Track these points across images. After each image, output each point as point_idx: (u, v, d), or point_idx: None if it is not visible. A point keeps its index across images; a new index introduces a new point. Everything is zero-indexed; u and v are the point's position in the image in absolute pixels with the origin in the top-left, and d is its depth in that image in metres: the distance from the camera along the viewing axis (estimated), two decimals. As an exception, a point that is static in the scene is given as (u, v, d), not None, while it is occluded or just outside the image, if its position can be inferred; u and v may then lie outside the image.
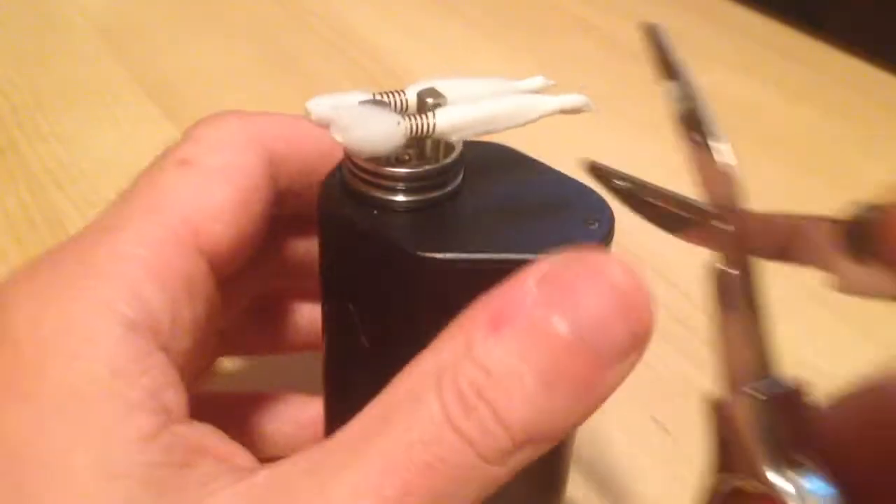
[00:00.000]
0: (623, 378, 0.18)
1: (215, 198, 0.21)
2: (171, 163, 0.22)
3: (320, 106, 0.21)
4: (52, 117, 0.53)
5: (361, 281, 0.21)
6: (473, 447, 0.17)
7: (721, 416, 0.17)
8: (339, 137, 0.20)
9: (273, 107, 0.61)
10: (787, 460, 0.16)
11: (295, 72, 0.60)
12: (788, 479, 0.16)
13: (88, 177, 0.49)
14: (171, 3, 0.68)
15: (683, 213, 0.18)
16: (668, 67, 0.19)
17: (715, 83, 0.61)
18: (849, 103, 0.60)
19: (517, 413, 0.17)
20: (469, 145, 0.22)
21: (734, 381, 0.17)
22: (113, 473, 0.17)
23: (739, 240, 0.17)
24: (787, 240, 0.16)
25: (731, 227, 0.17)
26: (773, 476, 0.16)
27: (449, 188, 0.21)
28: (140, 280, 0.19)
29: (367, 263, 0.21)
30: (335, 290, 0.23)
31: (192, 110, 0.55)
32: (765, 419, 0.16)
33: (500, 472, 0.17)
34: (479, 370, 0.17)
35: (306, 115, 0.22)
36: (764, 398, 0.16)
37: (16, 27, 0.63)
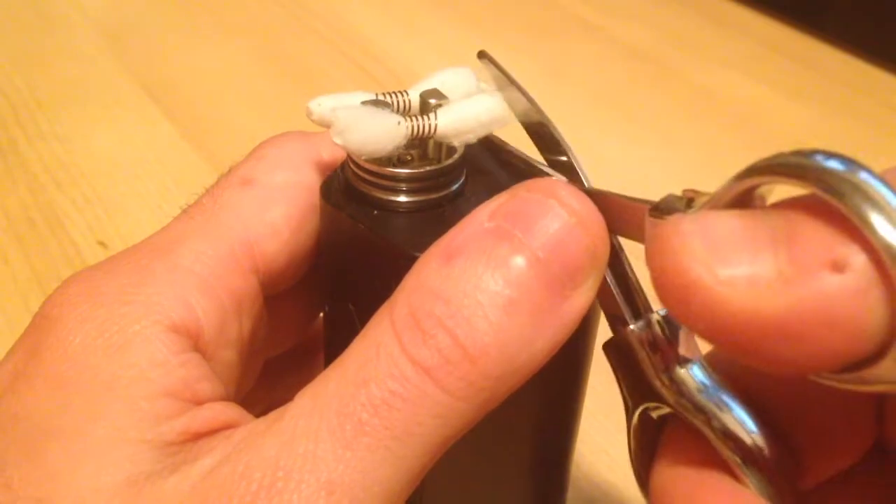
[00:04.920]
0: (585, 304, 0.17)
1: (273, 215, 0.22)
2: (234, 181, 0.22)
3: (322, 106, 0.21)
4: (52, 117, 0.53)
5: (361, 281, 0.21)
6: (432, 377, 0.16)
7: (618, 354, 0.19)
8: (338, 140, 0.20)
9: (273, 107, 0.62)
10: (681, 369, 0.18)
11: (295, 72, 0.60)
12: (688, 388, 0.18)
13: (88, 177, 0.49)
14: (172, 3, 0.68)
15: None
16: (506, 80, 0.21)
17: (715, 83, 0.61)
18: (849, 103, 0.60)
19: (479, 339, 0.16)
20: (471, 146, 0.22)
21: (621, 322, 0.18)
22: (124, 440, 0.17)
23: None
24: (619, 215, 0.18)
25: None
26: (675, 390, 0.18)
27: (450, 189, 0.21)
28: (191, 292, 0.20)
29: (368, 264, 0.21)
30: (335, 290, 0.23)
31: (192, 110, 0.55)
32: (656, 342, 0.18)
33: (465, 409, 0.16)
34: (435, 299, 0.16)
35: (307, 115, 0.22)
36: (654, 321, 0.18)
37: (16, 27, 0.64)
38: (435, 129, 0.20)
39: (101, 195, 0.47)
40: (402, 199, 0.21)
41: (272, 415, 0.17)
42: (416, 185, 0.21)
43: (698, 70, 0.62)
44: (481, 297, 0.16)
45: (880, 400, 0.19)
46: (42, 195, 0.47)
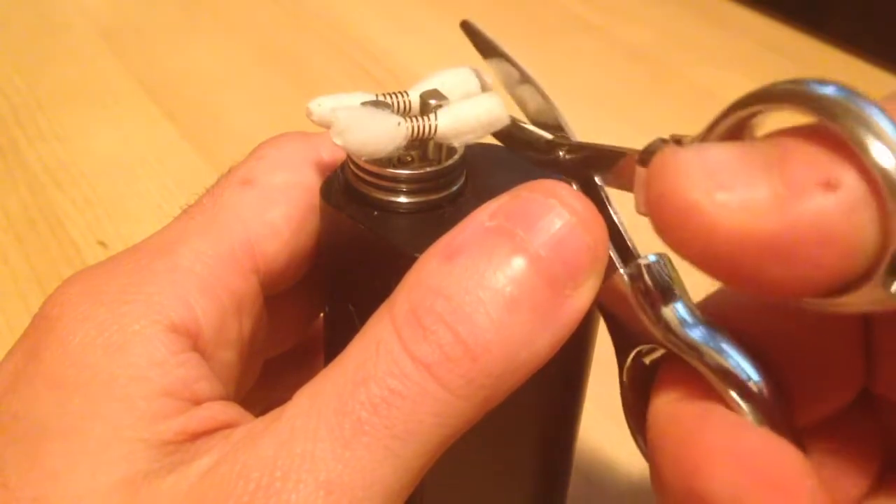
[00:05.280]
0: (585, 304, 0.17)
1: (273, 215, 0.22)
2: (234, 181, 0.22)
3: (322, 106, 0.21)
4: (52, 117, 0.53)
5: (361, 282, 0.22)
6: (433, 374, 0.16)
7: (608, 301, 0.19)
8: (338, 140, 0.20)
9: (273, 107, 0.62)
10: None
11: (295, 72, 0.60)
12: (678, 326, 0.18)
13: (88, 177, 0.49)
14: (172, 3, 0.68)
15: (537, 145, 0.21)
16: (488, 49, 0.22)
17: (715, 83, 0.61)
18: (849, 103, 0.60)
19: (480, 335, 0.16)
20: (471, 147, 0.22)
21: (611, 269, 0.19)
22: (121, 440, 0.17)
23: (577, 165, 0.20)
24: (607, 165, 0.19)
25: (572, 157, 0.21)
26: (669, 327, 0.18)
27: (450, 190, 0.21)
28: (191, 292, 0.20)
29: (368, 264, 0.21)
30: (335, 290, 0.23)
31: (192, 110, 0.55)
32: (647, 286, 0.19)
33: (465, 407, 0.16)
34: (436, 296, 0.16)
35: (307, 115, 0.22)
36: (643, 266, 0.19)
37: (16, 27, 0.64)
38: (435, 130, 0.20)
39: (101, 195, 0.47)
40: (402, 199, 0.21)
41: (270, 414, 0.17)
42: (416, 185, 0.21)
43: (698, 70, 0.62)
44: (483, 295, 0.16)
45: (868, 342, 0.19)
46: (42, 195, 0.47)
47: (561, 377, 0.24)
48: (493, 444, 0.23)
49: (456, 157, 0.21)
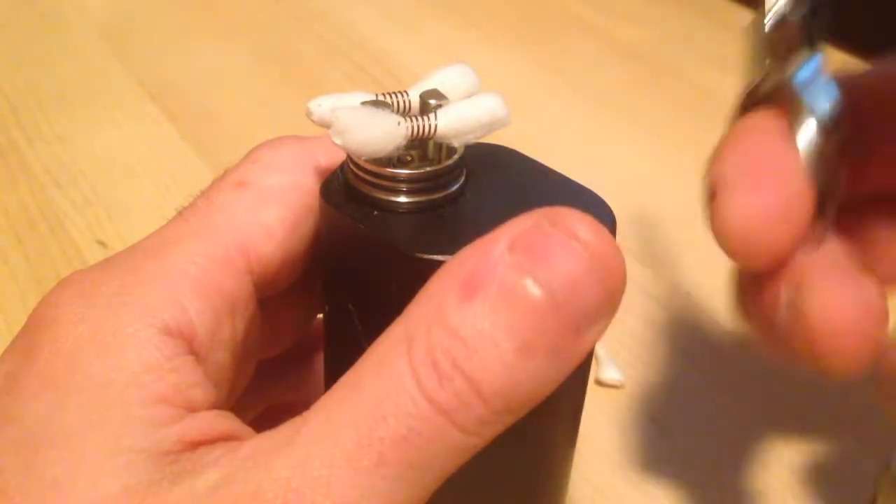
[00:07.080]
0: (597, 340, 0.18)
1: (267, 218, 0.22)
2: (229, 183, 0.22)
3: (321, 106, 0.21)
4: (52, 117, 0.53)
5: (361, 282, 0.22)
6: (449, 418, 0.17)
7: (756, 35, 0.21)
8: (338, 140, 0.20)
9: (273, 107, 0.61)
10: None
11: (295, 72, 0.60)
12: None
13: (88, 177, 0.49)
14: (172, 3, 0.68)
15: None
16: None
17: (715, 83, 0.61)
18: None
19: (494, 382, 0.17)
20: (471, 147, 0.22)
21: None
22: (120, 449, 0.17)
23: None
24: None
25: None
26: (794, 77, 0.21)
27: (450, 190, 0.21)
28: (184, 293, 0.20)
29: (368, 264, 0.21)
30: (335, 290, 0.23)
31: (192, 110, 0.55)
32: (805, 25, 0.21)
33: (477, 443, 0.17)
34: (454, 338, 0.17)
35: (307, 115, 0.22)
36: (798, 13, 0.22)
37: (16, 27, 0.64)
38: (435, 130, 0.20)
39: (101, 195, 0.47)
40: (402, 199, 0.21)
41: (280, 432, 0.17)
42: (416, 185, 0.21)
43: (698, 70, 0.62)
44: (500, 341, 0.17)
45: None
46: (42, 195, 0.47)
47: (563, 382, 0.24)
48: (492, 447, 0.23)
49: (456, 156, 0.21)
